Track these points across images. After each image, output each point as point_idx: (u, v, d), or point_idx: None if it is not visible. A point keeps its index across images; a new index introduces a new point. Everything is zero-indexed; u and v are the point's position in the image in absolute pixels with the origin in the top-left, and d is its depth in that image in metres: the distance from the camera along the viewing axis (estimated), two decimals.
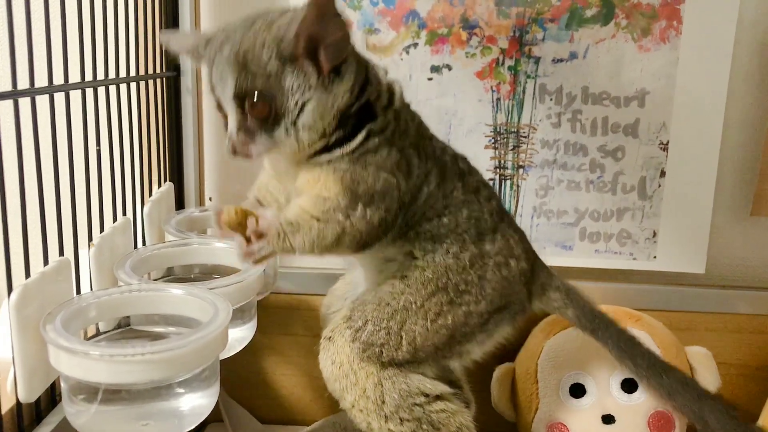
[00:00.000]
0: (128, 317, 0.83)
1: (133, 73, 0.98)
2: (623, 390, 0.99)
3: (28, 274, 0.72)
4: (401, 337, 0.81)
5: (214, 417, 1.04)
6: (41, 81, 0.75)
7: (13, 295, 0.68)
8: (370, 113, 0.78)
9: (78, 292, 0.83)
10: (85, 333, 0.83)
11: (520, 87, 1.14)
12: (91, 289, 0.85)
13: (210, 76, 0.76)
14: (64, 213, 0.80)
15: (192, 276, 0.99)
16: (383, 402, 0.81)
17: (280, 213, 0.78)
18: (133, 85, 0.98)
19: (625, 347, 0.89)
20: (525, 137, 1.16)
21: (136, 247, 0.99)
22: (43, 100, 0.75)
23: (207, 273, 0.99)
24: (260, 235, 0.75)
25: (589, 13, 1.10)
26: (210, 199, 1.20)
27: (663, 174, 1.15)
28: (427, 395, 0.83)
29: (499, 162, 1.17)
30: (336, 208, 0.76)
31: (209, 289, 0.80)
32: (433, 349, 0.83)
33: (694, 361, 1.04)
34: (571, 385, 1.01)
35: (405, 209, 0.81)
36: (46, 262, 0.75)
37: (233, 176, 1.20)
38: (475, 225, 0.84)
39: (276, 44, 0.71)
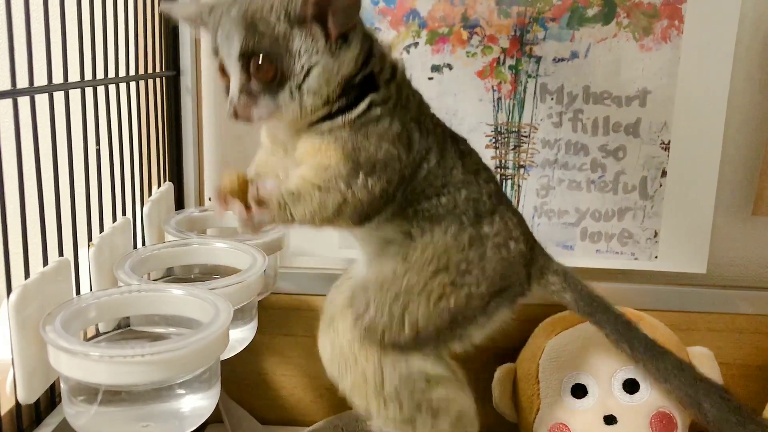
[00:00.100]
0: (128, 318, 0.83)
1: (132, 72, 0.98)
2: (625, 390, 0.98)
3: (27, 275, 0.72)
4: (404, 320, 0.81)
5: (214, 418, 1.04)
6: (40, 80, 0.74)
7: (13, 295, 0.67)
8: (373, 84, 0.78)
9: (78, 292, 0.82)
10: (85, 334, 0.83)
11: (521, 86, 1.14)
12: (91, 290, 0.85)
13: (214, 38, 0.75)
14: (63, 213, 0.79)
15: (192, 276, 0.99)
16: (383, 386, 0.81)
17: (281, 184, 0.77)
18: (132, 84, 0.98)
19: (623, 331, 0.89)
20: (526, 137, 1.15)
21: (135, 247, 0.98)
22: (42, 99, 0.74)
23: (207, 273, 0.99)
24: (261, 203, 0.75)
25: (590, 12, 1.10)
26: (209, 199, 1.20)
27: (664, 174, 1.14)
28: (427, 380, 0.82)
29: (500, 162, 1.16)
30: (337, 176, 0.76)
31: (210, 289, 0.79)
32: (435, 332, 0.82)
33: (695, 361, 1.03)
34: (573, 386, 1.00)
35: (405, 184, 0.81)
36: (45, 262, 0.75)
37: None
38: (473, 206, 0.84)
39: (285, 6, 0.72)
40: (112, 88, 0.90)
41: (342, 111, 0.77)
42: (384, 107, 0.78)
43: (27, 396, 0.70)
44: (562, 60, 1.12)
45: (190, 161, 1.16)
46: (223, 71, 0.76)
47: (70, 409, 0.69)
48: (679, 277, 1.18)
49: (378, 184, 0.77)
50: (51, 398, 0.81)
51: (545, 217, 1.17)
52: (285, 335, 1.19)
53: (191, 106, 1.14)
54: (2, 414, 0.72)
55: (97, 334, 0.84)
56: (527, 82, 1.13)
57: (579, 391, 1.00)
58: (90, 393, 0.68)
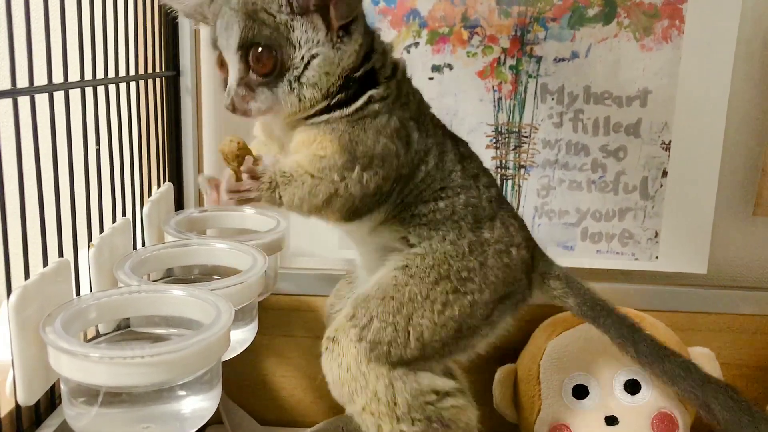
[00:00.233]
0: (128, 319, 0.82)
1: (132, 72, 0.97)
2: (626, 391, 0.98)
3: (27, 276, 0.71)
4: (409, 333, 0.80)
5: (214, 419, 1.03)
6: (40, 80, 0.74)
7: (13, 296, 0.67)
8: (373, 80, 0.78)
9: (78, 292, 0.82)
10: (85, 335, 0.83)
11: (521, 86, 1.13)
12: (91, 290, 0.84)
13: (213, 29, 0.75)
14: (63, 213, 0.79)
15: (192, 277, 0.98)
16: (395, 403, 0.80)
17: (276, 161, 0.77)
18: (132, 84, 0.97)
19: (627, 334, 0.88)
20: (526, 137, 1.15)
21: (135, 247, 0.98)
22: (42, 99, 0.74)
23: (207, 274, 0.98)
24: (254, 176, 0.74)
25: (591, 12, 1.10)
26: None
27: (665, 174, 1.14)
28: (437, 392, 0.82)
29: (501, 162, 1.16)
30: (332, 167, 0.75)
31: (210, 290, 0.78)
32: (441, 344, 0.81)
33: (696, 361, 1.03)
34: (574, 387, 1.00)
35: (402, 183, 0.80)
36: (45, 263, 0.75)
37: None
38: (472, 212, 0.83)
39: None
40: (111, 88, 0.90)
41: (340, 105, 0.76)
42: (383, 103, 0.78)
43: (27, 398, 0.69)
44: (563, 60, 1.12)
45: (190, 161, 1.16)
46: (221, 64, 0.76)
47: (70, 411, 0.68)
48: (679, 277, 1.18)
49: (373, 180, 0.76)
50: (51, 400, 0.81)
51: (546, 217, 1.17)
52: (285, 336, 1.19)
53: (191, 106, 1.14)
54: (2, 416, 0.72)
55: (97, 335, 0.83)
56: (528, 82, 1.13)
57: (580, 391, 1.00)
58: (90, 394, 0.67)
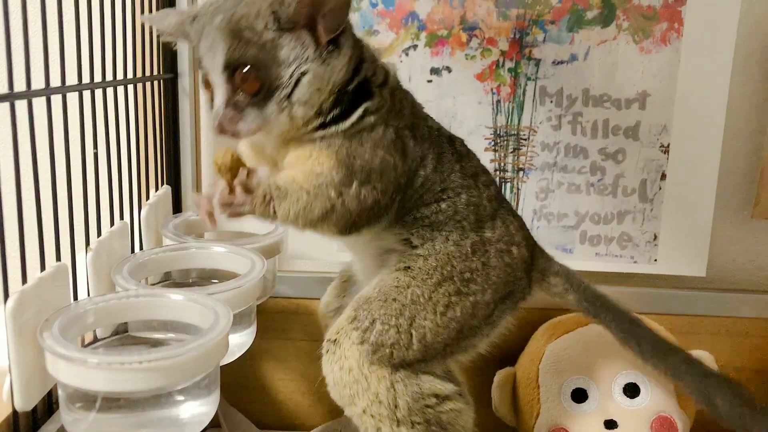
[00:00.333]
0: (126, 323, 0.82)
1: (130, 75, 0.97)
2: (625, 395, 0.98)
3: (24, 280, 0.71)
4: (411, 335, 0.79)
5: (212, 422, 1.03)
6: (38, 83, 0.73)
7: (10, 301, 0.66)
8: (366, 90, 0.76)
9: (75, 297, 0.82)
10: (83, 339, 0.82)
11: (520, 89, 1.13)
12: (89, 295, 0.84)
13: (197, 49, 0.72)
14: (61, 217, 0.78)
15: (190, 280, 0.98)
16: (396, 406, 0.79)
17: (271, 176, 0.75)
18: (130, 87, 0.97)
19: (629, 329, 0.88)
20: (525, 140, 1.15)
21: (133, 251, 0.98)
22: (39, 103, 0.73)
23: (205, 277, 0.98)
24: (247, 189, 0.72)
25: (589, 14, 1.10)
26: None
27: (664, 177, 1.14)
28: (437, 396, 0.81)
29: (499, 164, 1.16)
30: (329, 183, 0.74)
31: (209, 294, 0.78)
32: (443, 345, 0.81)
33: None
34: (573, 390, 1.00)
35: (401, 192, 0.79)
36: (43, 267, 0.74)
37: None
38: (474, 211, 0.83)
39: (272, 12, 0.69)
40: (109, 91, 0.89)
41: (336, 120, 0.75)
42: (378, 115, 0.76)
43: (24, 403, 0.69)
44: (562, 63, 1.12)
45: (188, 164, 1.16)
46: (207, 84, 0.73)
47: (67, 416, 0.68)
48: (678, 280, 1.18)
49: (371, 195, 0.75)
50: (48, 405, 0.80)
51: (544, 220, 1.17)
52: (283, 339, 1.18)
53: (189, 108, 1.13)
54: None
55: (95, 339, 0.83)
56: (526, 84, 1.13)
57: (579, 395, 1.00)
58: (88, 400, 0.67)
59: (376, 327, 0.79)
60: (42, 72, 0.74)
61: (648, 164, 1.14)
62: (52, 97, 0.76)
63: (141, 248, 1.00)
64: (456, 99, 1.14)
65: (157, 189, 1.08)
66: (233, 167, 0.72)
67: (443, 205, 0.82)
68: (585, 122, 1.14)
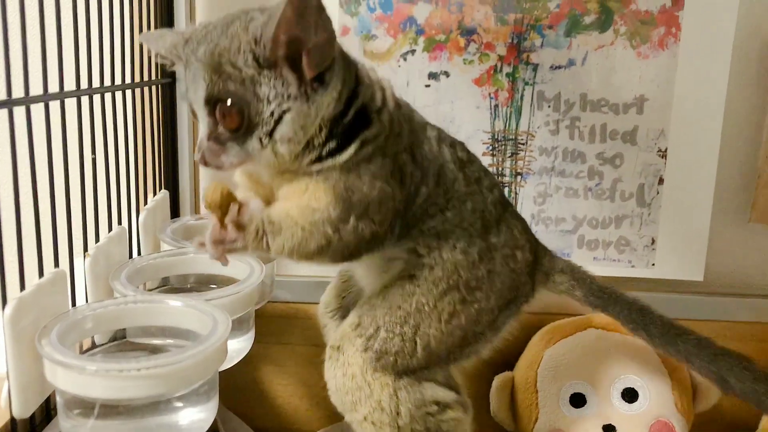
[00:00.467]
0: (124, 329, 0.82)
1: (128, 80, 0.97)
2: (624, 399, 0.98)
3: (23, 287, 0.71)
4: (415, 343, 0.79)
5: (211, 428, 1.03)
6: (36, 89, 0.73)
7: (8, 308, 0.66)
8: (364, 118, 0.74)
9: (73, 302, 0.81)
10: (81, 345, 0.82)
11: (518, 94, 1.13)
12: (87, 301, 0.84)
13: (184, 77, 0.71)
14: (59, 223, 0.78)
15: (188, 286, 0.98)
16: (398, 414, 0.79)
17: (264, 210, 0.73)
18: (128, 92, 0.97)
19: (637, 319, 0.87)
20: (523, 144, 1.15)
21: (131, 256, 0.98)
22: (38, 109, 0.73)
23: (203, 282, 0.98)
24: (239, 226, 0.71)
25: (587, 19, 1.10)
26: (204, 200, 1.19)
27: (661, 181, 1.14)
28: (438, 404, 0.81)
29: (497, 169, 1.16)
30: (326, 220, 0.72)
31: (207, 300, 0.78)
32: (447, 352, 0.81)
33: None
34: (572, 395, 1.00)
35: (400, 217, 0.78)
36: (41, 273, 0.74)
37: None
38: (480, 217, 0.82)
39: (252, 48, 0.67)
40: (107, 96, 0.89)
41: (332, 153, 0.72)
42: (376, 143, 0.74)
43: (22, 410, 0.69)
44: (559, 67, 1.12)
45: (186, 169, 1.15)
46: (194, 113, 0.72)
47: (66, 423, 0.68)
48: (676, 284, 1.18)
49: (368, 227, 0.74)
50: (46, 411, 0.80)
51: (542, 224, 1.17)
52: (282, 344, 1.18)
53: (186, 113, 1.13)
54: None
55: (93, 345, 0.83)
56: (524, 89, 1.13)
57: (578, 400, 1.00)
58: (86, 407, 0.67)
59: (381, 334, 0.79)
60: (40, 78, 0.74)
61: (645, 169, 1.14)
62: (51, 103, 0.76)
63: (139, 253, 1.00)
64: (454, 104, 1.14)
65: (155, 194, 1.08)
66: (223, 204, 0.70)
67: (449, 215, 0.81)
68: (583, 127, 1.14)
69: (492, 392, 1.08)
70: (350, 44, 1.12)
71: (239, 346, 0.89)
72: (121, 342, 0.83)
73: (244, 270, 0.88)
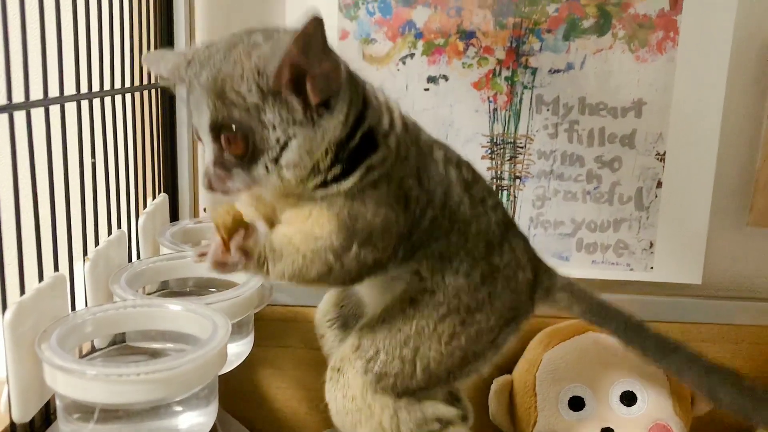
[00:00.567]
0: (124, 333, 0.82)
1: (127, 84, 0.97)
2: (622, 403, 0.98)
3: (23, 291, 0.71)
4: (415, 365, 0.79)
5: (210, 431, 1.03)
6: (36, 93, 0.73)
7: (8, 312, 0.67)
8: (371, 142, 0.72)
9: (73, 306, 0.82)
10: (80, 349, 0.82)
11: (516, 97, 1.14)
12: (86, 305, 0.84)
13: (188, 101, 0.70)
14: (59, 226, 0.78)
15: (187, 289, 0.98)
16: None
17: (267, 233, 0.73)
18: (127, 96, 0.97)
19: (632, 335, 0.88)
20: (522, 148, 1.15)
21: (130, 260, 0.98)
22: (38, 113, 0.73)
23: (202, 286, 0.98)
24: (244, 252, 0.70)
25: (586, 23, 1.10)
26: (204, 210, 1.19)
27: (660, 185, 1.15)
28: (440, 420, 0.81)
29: (496, 172, 1.16)
30: (328, 248, 0.71)
31: (206, 304, 0.78)
32: (446, 373, 0.81)
33: None
34: (570, 398, 1.00)
35: (404, 241, 0.77)
36: (41, 277, 0.74)
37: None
38: (484, 239, 0.81)
39: (256, 75, 0.65)
40: (107, 100, 0.90)
41: (336, 179, 0.71)
42: (382, 169, 0.73)
43: (22, 414, 0.69)
44: (558, 71, 1.12)
45: (185, 172, 1.15)
46: (199, 137, 0.71)
47: (65, 427, 0.68)
48: (674, 287, 1.18)
49: (371, 254, 0.73)
50: (46, 415, 0.80)
51: (541, 227, 1.17)
52: (280, 347, 1.18)
53: (186, 116, 1.13)
54: None
55: (93, 349, 0.83)
56: (523, 93, 1.13)
57: (576, 403, 1.00)
58: (86, 411, 0.67)
59: (380, 357, 0.78)
60: (40, 82, 0.75)
61: (644, 172, 1.15)
62: (51, 107, 0.76)
63: (138, 257, 1.00)
64: (453, 107, 1.14)
65: (154, 197, 1.08)
66: (233, 228, 0.70)
67: (453, 238, 0.80)
68: (581, 130, 1.14)
69: (491, 395, 1.08)
70: (349, 48, 1.12)
71: (239, 350, 0.89)
72: (120, 346, 0.83)
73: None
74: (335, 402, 0.81)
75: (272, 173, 0.69)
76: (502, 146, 1.15)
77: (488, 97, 1.14)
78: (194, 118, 0.69)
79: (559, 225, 1.17)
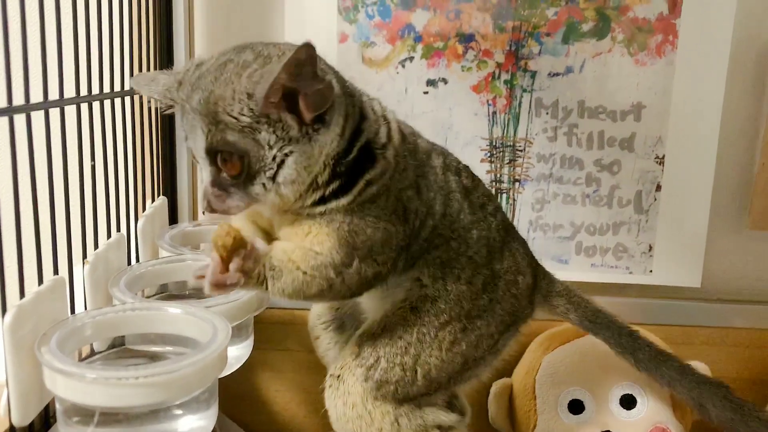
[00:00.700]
0: (123, 336, 0.82)
1: (127, 87, 0.97)
2: (622, 406, 0.98)
3: (22, 294, 0.71)
4: (416, 372, 0.79)
5: None
6: (36, 97, 0.73)
7: (8, 315, 0.66)
8: (369, 155, 0.72)
9: (72, 309, 0.81)
10: (80, 353, 0.82)
11: (516, 101, 1.14)
12: (86, 307, 0.84)
13: (181, 122, 0.70)
14: (58, 229, 0.78)
15: (187, 292, 0.98)
16: None
17: (267, 250, 0.72)
18: (127, 99, 0.97)
19: (626, 344, 0.89)
20: (521, 151, 1.15)
21: (130, 263, 0.97)
22: (37, 116, 0.73)
23: (201, 289, 0.98)
24: (244, 272, 0.69)
25: (585, 27, 1.10)
26: (204, 212, 1.19)
27: (659, 188, 1.15)
28: (440, 427, 0.81)
29: (495, 176, 1.16)
30: (328, 264, 0.71)
31: (206, 307, 0.78)
32: (447, 378, 0.81)
33: None
34: (570, 401, 1.00)
35: (404, 252, 0.77)
36: (40, 281, 0.74)
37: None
38: (485, 244, 0.81)
39: (247, 96, 0.65)
40: (107, 103, 0.90)
41: (335, 194, 0.71)
42: (380, 183, 0.72)
43: (21, 418, 0.69)
44: (557, 75, 1.12)
45: (184, 175, 1.15)
46: (195, 158, 0.71)
47: (65, 431, 0.68)
48: (673, 290, 1.18)
49: (372, 269, 0.73)
50: (45, 419, 0.80)
51: (540, 231, 1.17)
52: (279, 350, 1.18)
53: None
54: None
55: (92, 353, 0.83)
56: (522, 96, 1.14)
57: (576, 406, 1.00)
58: (86, 414, 0.67)
59: (381, 364, 0.78)
60: (40, 85, 0.74)
61: (643, 175, 1.15)
62: (51, 110, 0.76)
63: (137, 260, 1.00)
64: (452, 110, 1.14)
65: (153, 200, 1.08)
66: (233, 249, 0.69)
67: (454, 244, 0.80)
68: (580, 134, 1.14)
69: (490, 399, 1.08)
70: (349, 51, 1.12)
71: (238, 353, 0.89)
72: (119, 349, 0.83)
73: None
74: (335, 409, 0.81)
75: (270, 191, 0.68)
76: (501, 149, 1.15)
77: (487, 101, 1.14)
78: (189, 140, 0.69)
79: (558, 228, 1.17)
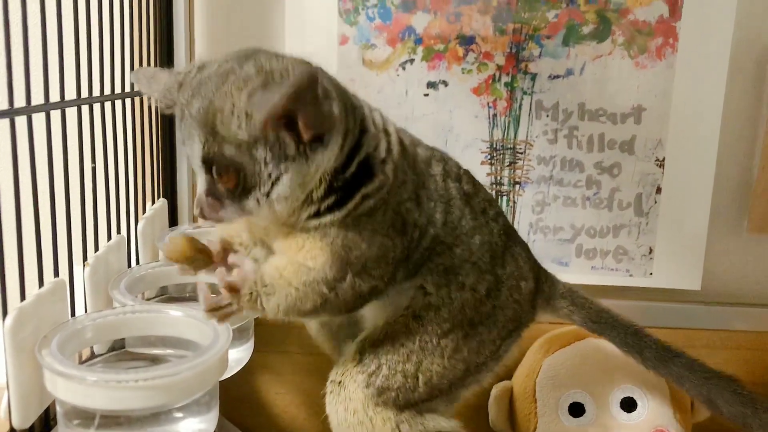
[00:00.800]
0: (123, 339, 0.82)
1: (128, 89, 0.97)
2: (623, 409, 0.98)
3: (23, 296, 0.71)
4: (417, 379, 0.78)
5: None
6: (37, 99, 0.73)
7: (8, 318, 0.66)
8: (367, 169, 0.71)
9: (73, 312, 0.81)
10: (80, 355, 0.82)
11: (516, 103, 1.14)
12: (86, 310, 0.83)
13: (180, 127, 0.69)
14: (59, 232, 0.78)
15: (187, 294, 0.98)
16: None
17: (258, 266, 0.72)
18: (127, 101, 0.97)
19: (632, 342, 0.88)
20: (521, 153, 1.15)
21: (130, 265, 0.97)
22: (38, 118, 0.73)
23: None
24: (233, 289, 0.69)
25: (585, 29, 1.11)
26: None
27: (659, 190, 1.15)
28: None
29: (496, 178, 1.16)
30: (321, 280, 0.70)
31: None
32: (449, 385, 0.80)
33: None
34: (570, 404, 1.00)
35: (402, 264, 0.77)
36: (41, 283, 0.74)
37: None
38: (488, 249, 0.81)
39: (245, 114, 0.64)
40: (107, 105, 0.89)
41: (331, 209, 0.70)
42: (378, 197, 0.71)
43: (22, 420, 0.69)
44: (558, 77, 1.12)
45: (184, 177, 1.15)
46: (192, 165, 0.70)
47: None
48: (673, 293, 1.18)
49: (367, 283, 0.72)
50: (46, 421, 0.79)
51: (540, 233, 1.17)
52: (279, 353, 1.18)
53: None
54: None
55: (92, 355, 0.83)
56: (522, 98, 1.14)
57: (576, 409, 1.00)
58: (86, 417, 0.67)
59: (383, 371, 0.78)
60: (41, 87, 0.74)
61: (643, 178, 1.15)
62: (51, 112, 0.76)
63: (138, 262, 0.99)
64: (452, 113, 1.14)
65: (153, 202, 1.08)
66: (191, 255, 0.69)
67: (457, 251, 0.79)
68: (581, 136, 1.14)
69: (490, 402, 1.08)
70: (349, 53, 1.12)
71: (239, 356, 0.89)
72: (120, 352, 0.82)
73: None
74: (336, 415, 0.80)
75: (263, 206, 0.68)
76: (501, 152, 1.15)
77: (488, 103, 1.14)
78: (187, 147, 0.68)
79: (558, 231, 1.17)
